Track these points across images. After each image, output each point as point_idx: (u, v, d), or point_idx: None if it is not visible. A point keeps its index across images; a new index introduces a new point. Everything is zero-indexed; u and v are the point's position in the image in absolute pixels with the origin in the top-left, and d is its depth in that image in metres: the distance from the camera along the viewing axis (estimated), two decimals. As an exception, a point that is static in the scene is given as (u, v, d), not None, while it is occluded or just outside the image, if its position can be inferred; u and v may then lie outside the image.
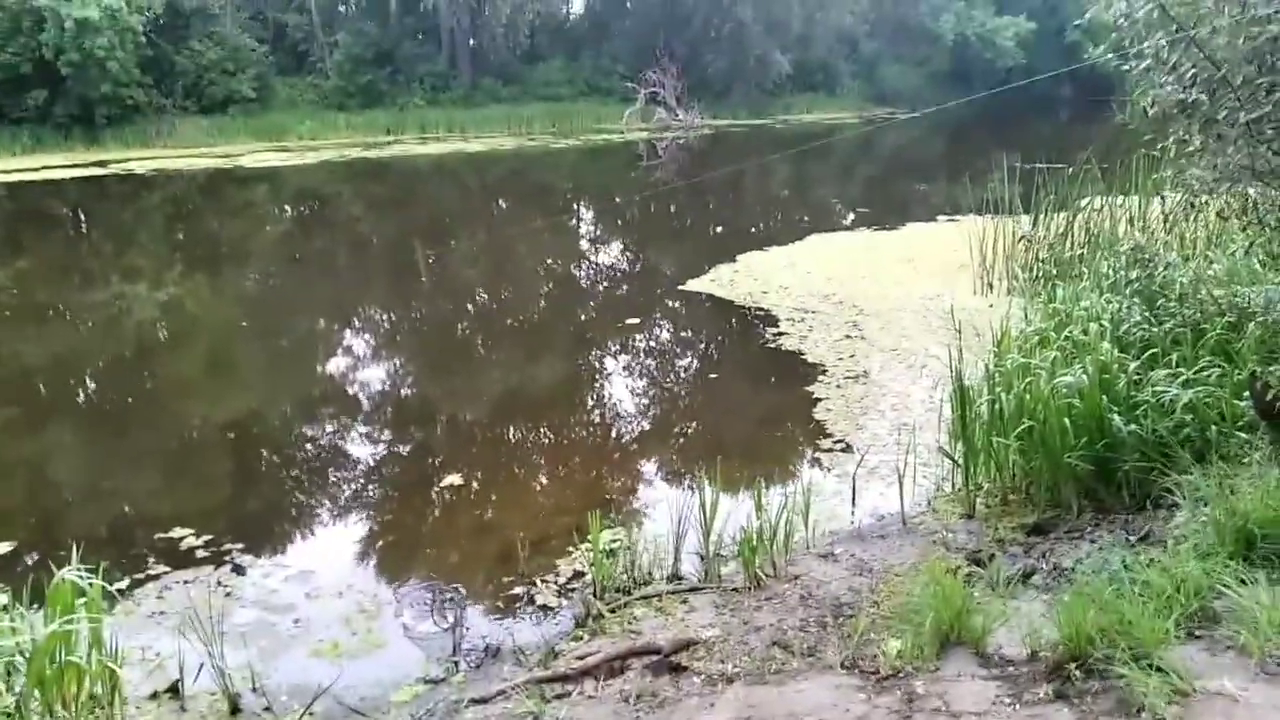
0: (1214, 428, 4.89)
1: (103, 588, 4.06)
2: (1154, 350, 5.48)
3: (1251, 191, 5.45)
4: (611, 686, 3.90)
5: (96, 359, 10.39)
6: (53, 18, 27.96)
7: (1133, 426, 4.95)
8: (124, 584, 5.08)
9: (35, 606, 3.95)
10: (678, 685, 3.84)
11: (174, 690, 4.14)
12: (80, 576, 3.93)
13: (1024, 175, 11.82)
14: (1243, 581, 3.47)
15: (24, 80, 29.07)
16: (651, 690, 3.79)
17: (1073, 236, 10.35)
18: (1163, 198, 8.68)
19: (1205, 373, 5.16)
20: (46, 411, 8.56)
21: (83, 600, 3.92)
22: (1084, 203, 10.64)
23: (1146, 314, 5.82)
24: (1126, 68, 5.89)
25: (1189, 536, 4.00)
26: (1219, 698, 2.94)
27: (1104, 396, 5.10)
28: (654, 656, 4.06)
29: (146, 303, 12.60)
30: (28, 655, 3.64)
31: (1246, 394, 4.95)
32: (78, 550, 4.13)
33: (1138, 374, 5.24)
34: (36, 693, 3.66)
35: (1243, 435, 4.82)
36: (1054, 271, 9.67)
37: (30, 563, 5.39)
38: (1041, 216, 10.89)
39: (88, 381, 9.78)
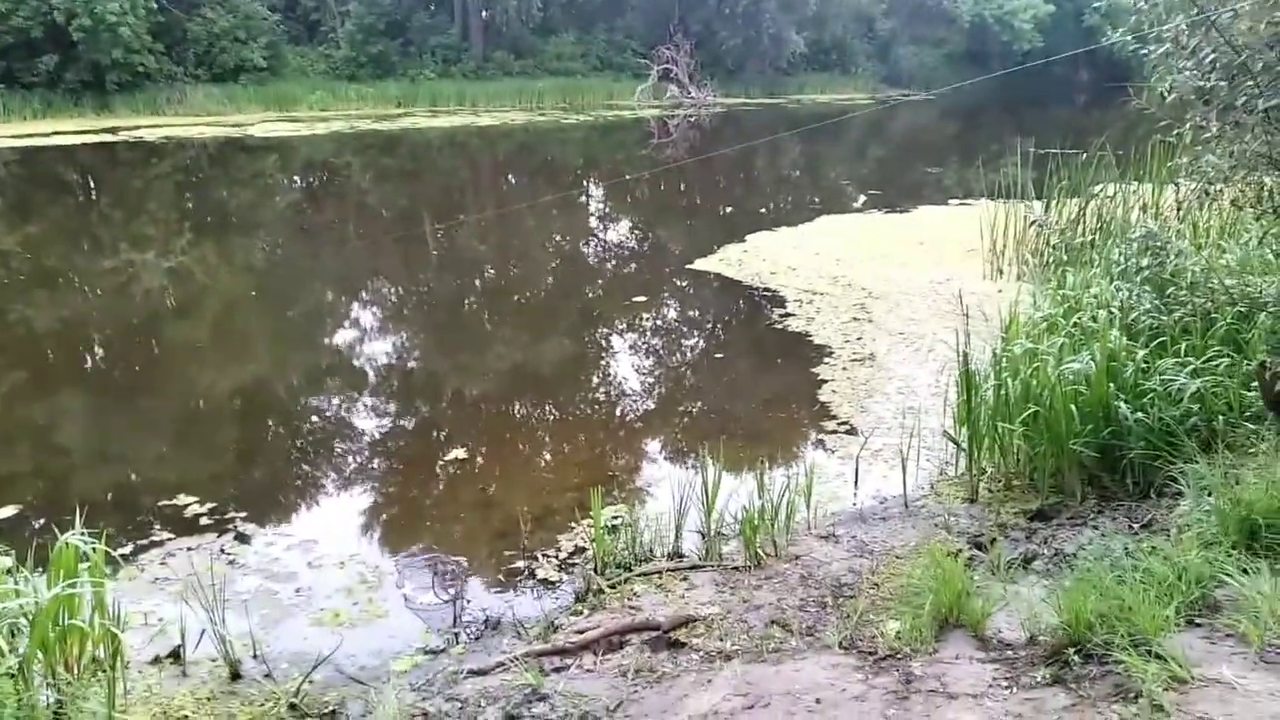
0: (1221, 417, 4.87)
1: (106, 552, 4.08)
2: (1163, 339, 5.45)
3: (1268, 180, 5.40)
4: (610, 661, 3.92)
5: (104, 325, 10.42)
6: (64, -18, 27.90)
7: (1139, 414, 4.93)
8: (128, 549, 5.12)
9: (39, 570, 3.98)
10: (676, 661, 3.86)
11: (175, 655, 4.17)
12: (84, 541, 3.95)
13: (1038, 160, 11.72)
14: (1245, 571, 3.46)
15: (35, 45, 29.03)
16: (649, 665, 3.81)
17: (1084, 223, 10.27)
18: (1177, 185, 8.60)
19: (1214, 362, 5.13)
20: (53, 376, 8.60)
21: (86, 565, 3.94)
22: (1097, 189, 10.55)
23: (1156, 302, 5.78)
24: (1145, 52, 5.82)
25: (1192, 525, 3.99)
26: (1217, 685, 2.94)
27: (1111, 384, 5.07)
28: (653, 632, 4.08)
29: (154, 270, 12.61)
30: (31, 618, 3.66)
31: (1255, 384, 4.93)
32: (82, 515, 4.15)
33: (1146, 362, 5.22)
34: (39, 655, 3.68)
35: (1250, 425, 4.81)
36: (1064, 258, 9.60)
37: (36, 527, 5.43)
38: (1054, 202, 10.81)
39: (95, 347, 9.82)
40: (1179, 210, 8.67)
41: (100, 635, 3.91)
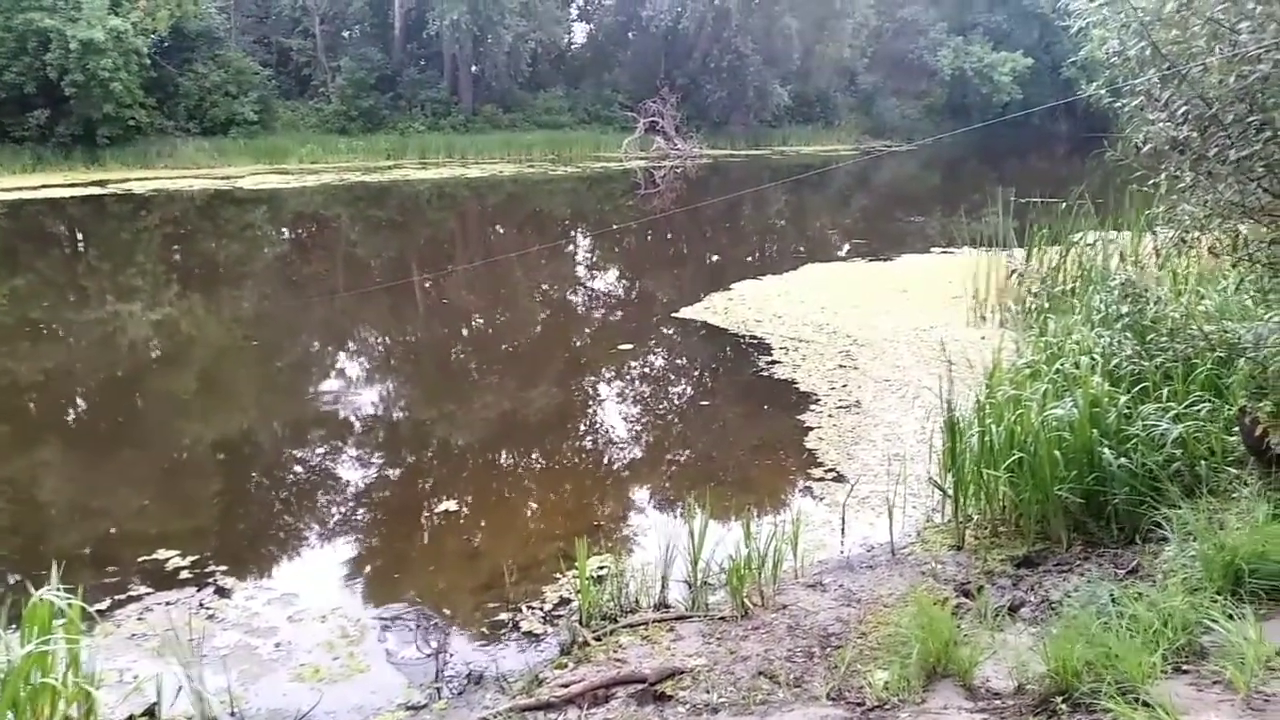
0: (1204, 462, 4.90)
1: (82, 608, 4.02)
2: (1145, 384, 5.49)
3: (1242, 228, 5.49)
4: (595, 715, 3.86)
5: (87, 377, 10.36)
6: (58, 38, 28.12)
7: (1123, 460, 4.95)
8: (105, 605, 5.04)
9: (12, 627, 3.90)
10: (662, 715, 3.80)
11: (151, 714, 4.08)
12: (59, 597, 3.89)
13: (1018, 209, 11.90)
14: (1230, 617, 3.46)
15: (27, 100, 29.19)
16: (635, 719, 3.75)
17: (1065, 271, 10.40)
18: (1154, 233, 8.72)
19: (1195, 407, 5.17)
20: (36, 429, 8.52)
21: (61, 621, 3.88)
22: (1077, 237, 10.70)
23: (1137, 348, 5.83)
24: (1120, 105, 5.95)
25: (1177, 571, 3.98)
26: (1205, 734, 2.91)
27: (1094, 429, 5.10)
28: (639, 685, 4.02)
29: (140, 322, 12.58)
30: (2, 676, 3.58)
31: (1236, 429, 4.96)
32: (59, 570, 4.09)
33: (1128, 408, 5.25)
34: (10, 715, 3.60)
35: (1232, 470, 4.83)
36: (1046, 305, 9.69)
37: (10, 583, 5.33)
38: (1035, 250, 10.95)
39: (79, 400, 9.75)
40: (1157, 258, 8.78)
41: (74, 694, 3.84)
